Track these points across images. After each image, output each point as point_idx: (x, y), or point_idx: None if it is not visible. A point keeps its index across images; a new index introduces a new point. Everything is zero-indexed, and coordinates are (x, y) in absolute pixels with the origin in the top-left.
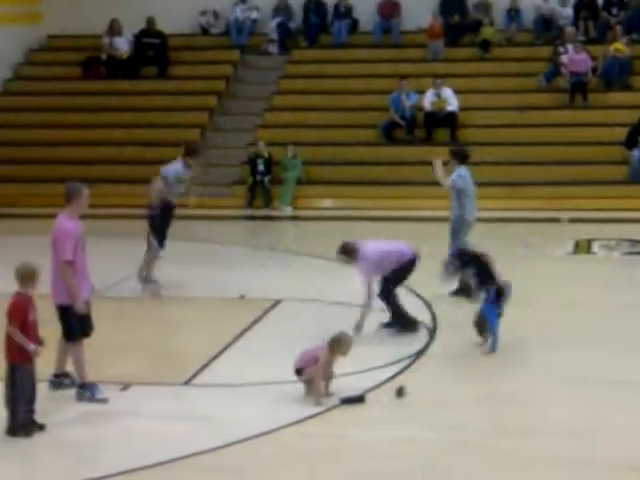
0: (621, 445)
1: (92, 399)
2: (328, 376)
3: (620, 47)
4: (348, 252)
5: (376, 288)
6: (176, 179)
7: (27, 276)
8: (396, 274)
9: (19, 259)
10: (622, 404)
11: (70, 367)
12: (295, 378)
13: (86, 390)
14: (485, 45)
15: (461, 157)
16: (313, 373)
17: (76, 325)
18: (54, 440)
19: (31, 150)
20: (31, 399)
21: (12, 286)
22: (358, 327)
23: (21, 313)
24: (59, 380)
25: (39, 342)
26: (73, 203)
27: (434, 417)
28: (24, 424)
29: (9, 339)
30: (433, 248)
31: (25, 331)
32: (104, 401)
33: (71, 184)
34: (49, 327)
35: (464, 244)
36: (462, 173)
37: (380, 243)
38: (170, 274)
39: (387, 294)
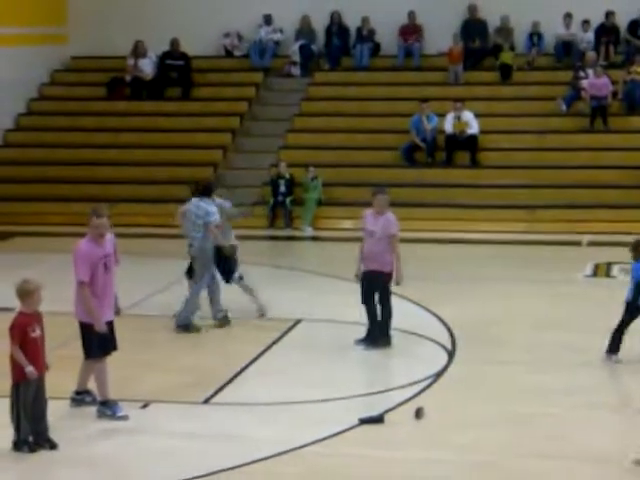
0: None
1: (113, 417)
2: None
3: (639, 69)
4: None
5: None
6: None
7: (25, 294)
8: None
9: (43, 277)
10: None
11: (92, 385)
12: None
13: (107, 408)
14: (505, 69)
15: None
16: None
17: (96, 343)
18: (74, 457)
19: (55, 169)
20: (37, 416)
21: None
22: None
23: (19, 331)
24: (80, 397)
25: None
26: (89, 227)
27: (452, 438)
28: (26, 440)
29: (11, 357)
30: (450, 269)
31: (26, 349)
32: (124, 419)
33: (93, 208)
34: (74, 344)
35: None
36: (201, 204)
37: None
38: None
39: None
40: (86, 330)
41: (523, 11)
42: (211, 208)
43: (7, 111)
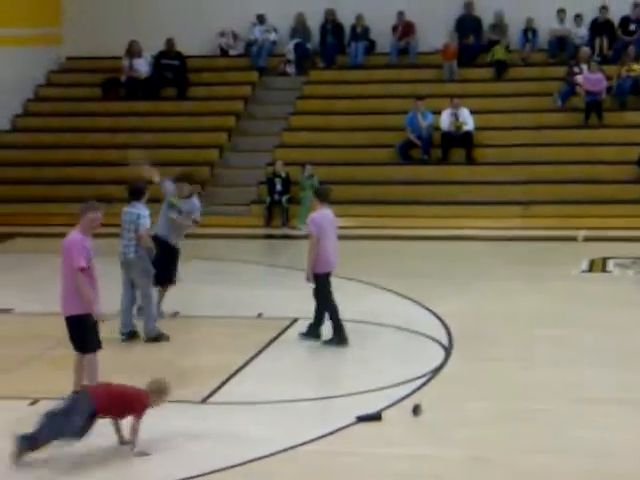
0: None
1: None
2: None
3: (634, 67)
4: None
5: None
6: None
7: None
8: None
9: (43, 277)
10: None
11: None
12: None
13: None
14: (499, 65)
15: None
16: None
17: (90, 335)
18: (71, 459)
19: (51, 170)
20: None
21: (30, 305)
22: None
23: None
24: None
25: None
26: (82, 220)
27: (451, 435)
28: None
29: None
30: (446, 266)
31: None
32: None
33: (85, 203)
34: (63, 347)
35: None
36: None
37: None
38: (188, 293)
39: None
40: (78, 324)
41: (517, 7)
42: (142, 212)
43: (3, 112)
